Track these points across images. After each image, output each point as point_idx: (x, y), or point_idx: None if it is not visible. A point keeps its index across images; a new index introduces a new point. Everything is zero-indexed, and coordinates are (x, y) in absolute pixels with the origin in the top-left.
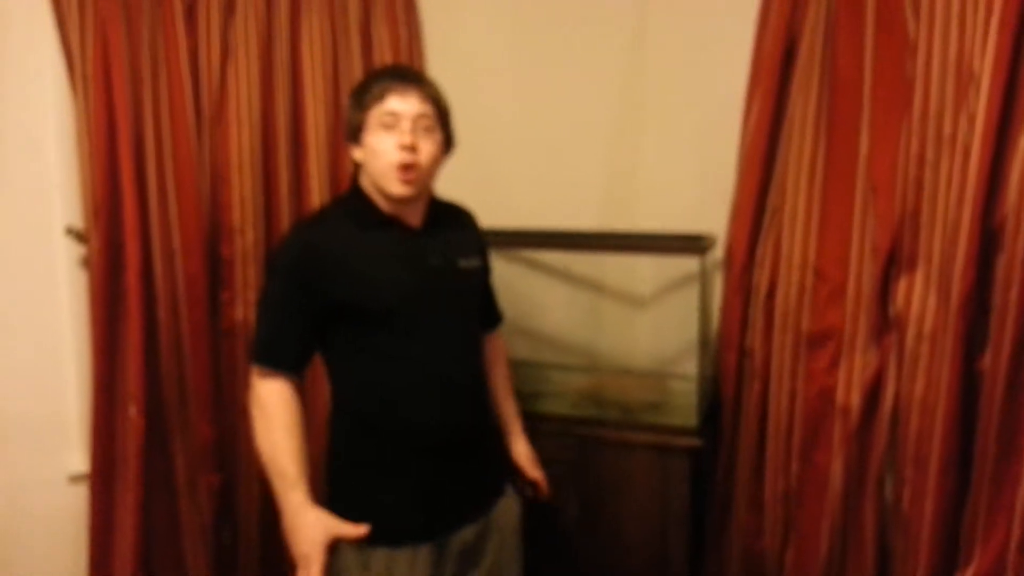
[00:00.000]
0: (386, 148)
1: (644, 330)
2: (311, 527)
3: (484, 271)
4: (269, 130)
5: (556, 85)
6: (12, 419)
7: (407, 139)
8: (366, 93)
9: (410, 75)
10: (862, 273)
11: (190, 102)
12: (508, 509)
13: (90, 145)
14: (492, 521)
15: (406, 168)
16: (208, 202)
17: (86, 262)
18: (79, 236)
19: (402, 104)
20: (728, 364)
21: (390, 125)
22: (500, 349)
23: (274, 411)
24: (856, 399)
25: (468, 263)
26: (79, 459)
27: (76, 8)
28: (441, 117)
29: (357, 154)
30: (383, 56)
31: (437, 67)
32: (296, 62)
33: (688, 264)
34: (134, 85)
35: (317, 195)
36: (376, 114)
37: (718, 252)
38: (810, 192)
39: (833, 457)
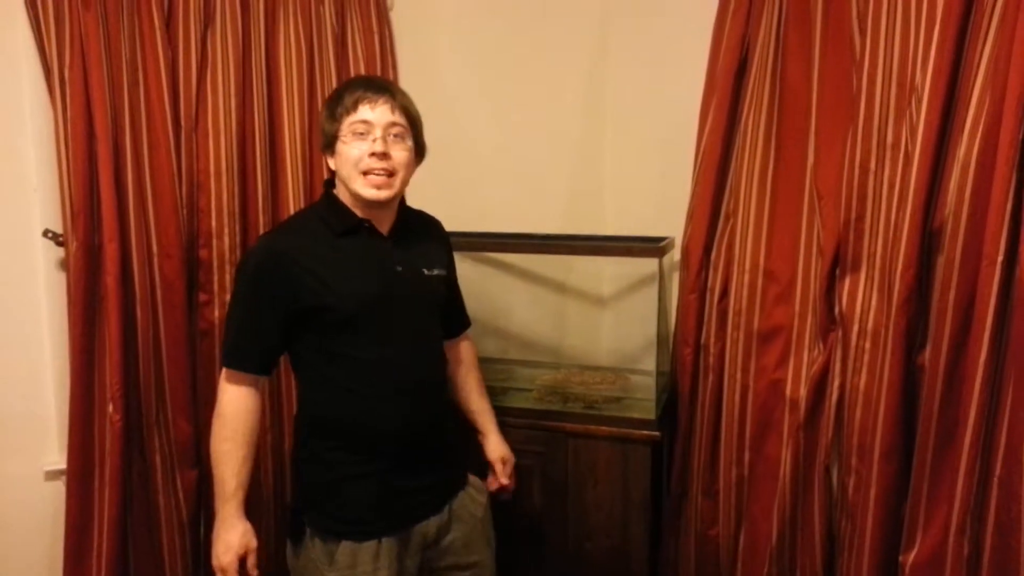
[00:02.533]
0: (358, 155)
1: (606, 328)
2: (234, 536)
3: (449, 279)
4: (246, 138)
5: (523, 97)
6: None
7: (379, 147)
8: (338, 104)
9: (381, 85)
10: (809, 274)
11: (168, 109)
12: (472, 500)
13: (68, 149)
14: (454, 513)
15: (376, 173)
16: (186, 207)
17: (64, 264)
18: (56, 238)
19: (373, 113)
20: (684, 360)
21: (362, 133)
22: (471, 352)
23: (229, 420)
24: (804, 392)
25: (432, 271)
26: (56, 456)
27: (52, 15)
28: (412, 126)
29: (331, 163)
30: (358, 66)
31: (409, 78)
32: (272, 72)
33: (648, 265)
34: (112, 92)
35: (292, 202)
36: (348, 123)
37: (676, 255)
38: (761, 199)
39: (783, 447)
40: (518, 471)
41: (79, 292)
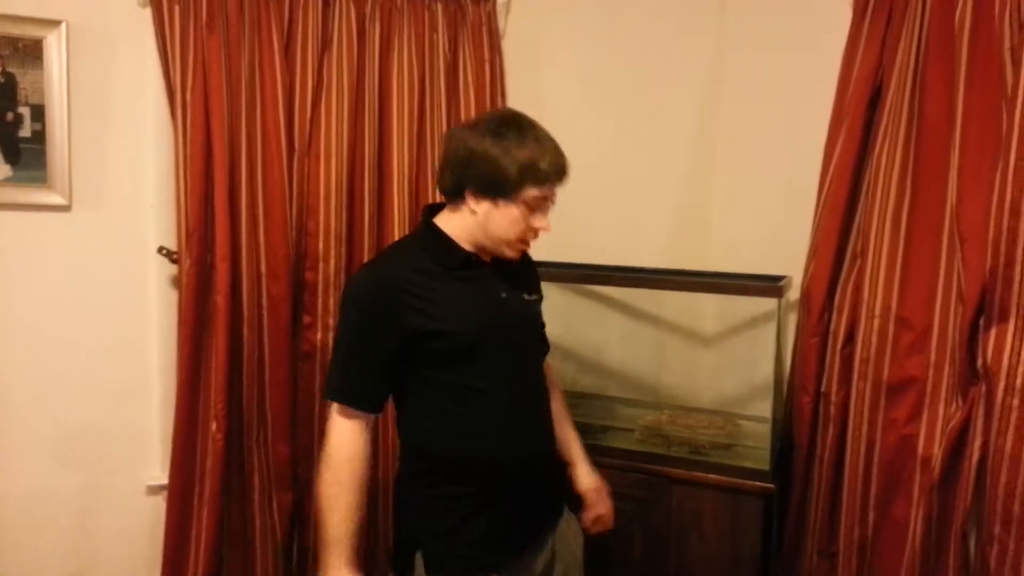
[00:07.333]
0: (524, 226)
1: (709, 369)
2: None
3: (540, 303)
4: (356, 163)
5: (631, 126)
6: (96, 429)
7: (547, 226)
8: (533, 168)
9: (567, 169)
10: (947, 323)
11: (283, 132)
12: (571, 536)
13: (187, 169)
14: (557, 548)
15: (526, 244)
16: (295, 229)
17: (176, 281)
18: (171, 256)
19: (552, 192)
20: (803, 408)
21: (535, 208)
22: (554, 376)
23: (339, 466)
24: (938, 450)
25: (530, 296)
26: (158, 471)
27: (179, 39)
28: None
29: (475, 205)
30: (468, 95)
31: (517, 106)
32: (384, 97)
33: (757, 305)
34: (231, 114)
35: (397, 227)
36: (531, 194)
37: (792, 295)
38: (895, 239)
39: (913, 509)
40: (617, 515)
41: (190, 310)
